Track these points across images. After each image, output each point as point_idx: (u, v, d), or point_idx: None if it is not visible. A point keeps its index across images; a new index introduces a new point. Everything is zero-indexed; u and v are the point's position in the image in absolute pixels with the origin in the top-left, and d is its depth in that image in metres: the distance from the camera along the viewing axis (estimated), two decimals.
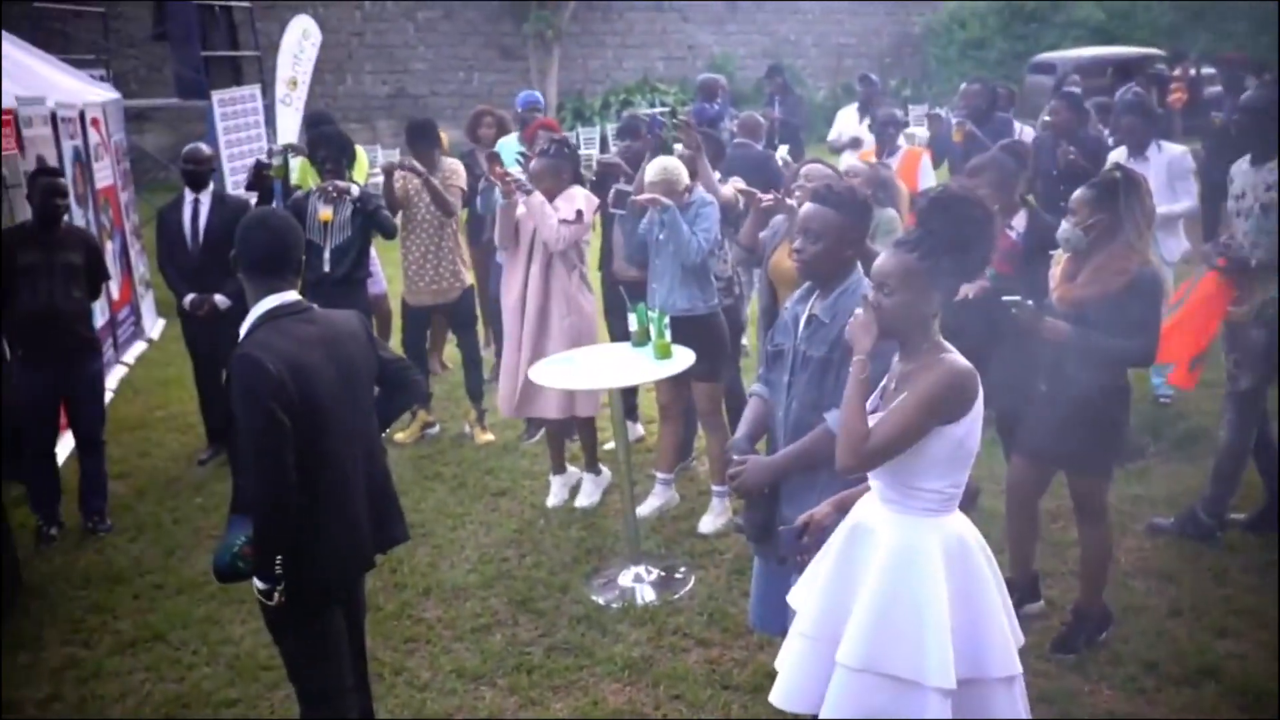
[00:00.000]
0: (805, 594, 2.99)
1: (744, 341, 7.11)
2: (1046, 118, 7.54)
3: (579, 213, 5.53)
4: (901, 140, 8.00)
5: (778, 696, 2.97)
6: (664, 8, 23.67)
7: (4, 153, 6.83)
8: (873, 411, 2.81)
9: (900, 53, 25.61)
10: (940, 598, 2.71)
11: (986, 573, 2.82)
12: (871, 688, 2.74)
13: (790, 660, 2.97)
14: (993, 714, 2.77)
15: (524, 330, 5.61)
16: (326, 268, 6.22)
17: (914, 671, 2.70)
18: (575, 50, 22.97)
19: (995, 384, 3.22)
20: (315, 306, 3.20)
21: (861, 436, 2.74)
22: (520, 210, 5.56)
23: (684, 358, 5.07)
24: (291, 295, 3.14)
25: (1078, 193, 4.22)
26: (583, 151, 13.91)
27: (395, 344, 6.98)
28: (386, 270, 8.06)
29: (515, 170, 6.27)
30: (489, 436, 6.93)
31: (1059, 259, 4.34)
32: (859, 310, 2.84)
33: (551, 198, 5.54)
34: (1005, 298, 4.14)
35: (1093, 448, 4.17)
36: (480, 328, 7.71)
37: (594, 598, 4.92)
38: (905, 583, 2.74)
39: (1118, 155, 6.63)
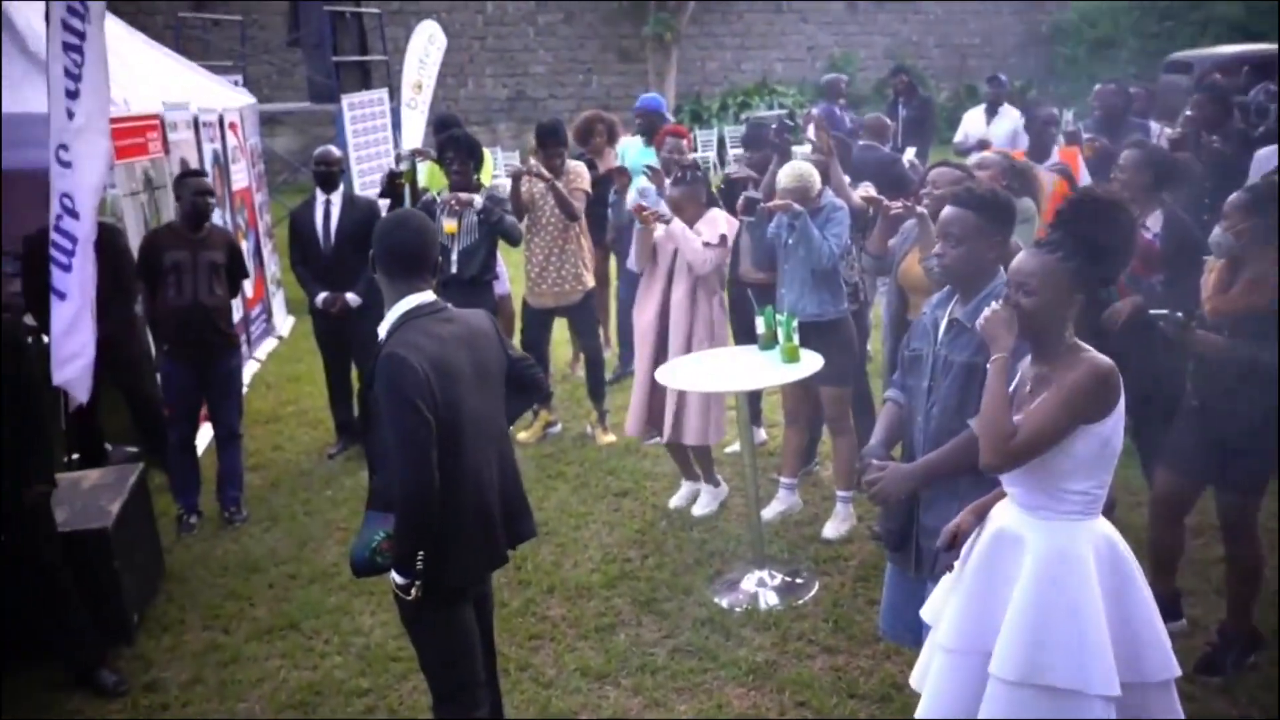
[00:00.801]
0: (944, 607, 2.95)
1: (868, 347, 7.01)
2: (1189, 112, 7.21)
3: (723, 237, 5.56)
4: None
5: (925, 711, 2.93)
6: (783, 9, 23.52)
7: (152, 156, 7.12)
8: None
9: (1026, 52, 24.98)
10: (1096, 603, 2.66)
11: (1137, 575, 2.77)
12: (1030, 700, 2.69)
13: (936, 675, 2.92)
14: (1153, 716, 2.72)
15: (667, 353, 5.62)
16: (454, 269, 6.32)
17: (1076, 681, 2.65)
18: (693, 52, 22.97)
19: (1139, 395, 3.12)
20: (450, 306, 3.24)
21: (1007, 434, 2.70)
22: (659, 233, 5.61)
23: (812, 362, 5.03)
24: (429, 295, 3.18)
25: (1231, 198, 4.04)
26: (700, 154, 13.90)
27: (515, 344, 7.04)
28: (508, 271, 8.17)
29: (642, 180, 6.36)
30: (611, 437, 6.97)
31: (1212, 266, 4.16)
32: (994, 305, 2.82)
33: (692, 223, 5.57)
34: (1153, 311, 3.99)
35: (1247, 465, 3.99)
36: (601, 330, 7.75)
37: (717, 600, 4.91)
38: (1060, 590, 2.69)
39: (1268, 157, 6.34)
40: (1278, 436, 4.01)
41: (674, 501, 5.97)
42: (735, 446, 6.26)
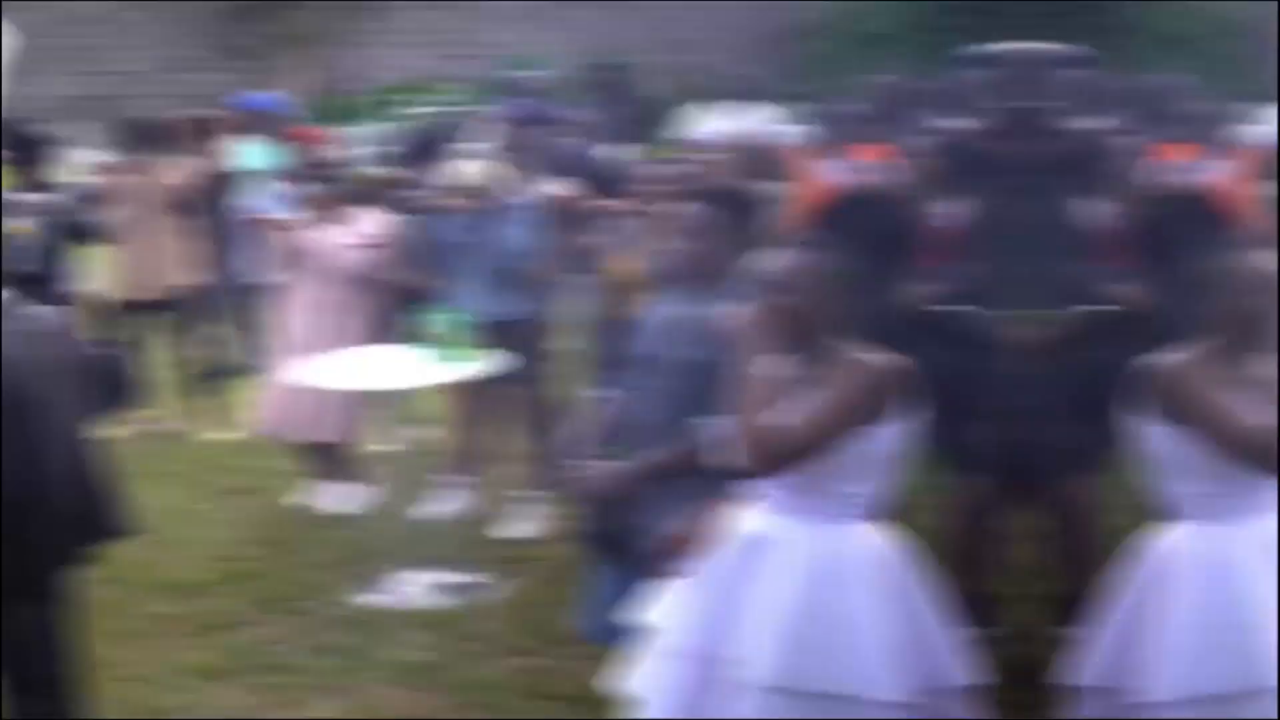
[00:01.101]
0: (676, 611, 3.05)
1: (554, 347, 7.25)
2: (995, 103, 7.58)
3: (368, 235, 5.84)
4: None
5: (648, 714, 3.03)
6: (456, 6, 23.71)
7: None
8: None
9: (762, 49, 24.86)
10: (871, 607, 2.82)
11: (920, 579, 2.95)
12: (794, 705, 2.80)
13: (662, 680, 3.02)
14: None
15: (313, 352, 5.74)
16: (24, 267, 6.25)
17: (848, 685, 2.79)
18: (334, 49, 22.87)
19: (935, 393, 3.23)
20: (17, 303, 3.47)
21: (772, 438, 2.81)
22: (295, 237, 5.88)
23: (486, 361, 5.27)
24: None
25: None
26: (342, 154, 13.80)
27: (108, 341, 6.95)
28: (96, 266, 8.04)
29: (272, 184, 6.98)
30: (225, 434, 7.09)
31: None
32: (745, 307, 2.95)
33: (332, 223, 5.85)
34: (957, 307, 4.19)
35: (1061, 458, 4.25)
36: (212, 327, 7.87)
37: (363, 600, 5.00)
38: (832, 594, 2.83)
39: None
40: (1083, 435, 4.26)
41: (307, 500, 6.03)
42: (389, 446, 6.49)
